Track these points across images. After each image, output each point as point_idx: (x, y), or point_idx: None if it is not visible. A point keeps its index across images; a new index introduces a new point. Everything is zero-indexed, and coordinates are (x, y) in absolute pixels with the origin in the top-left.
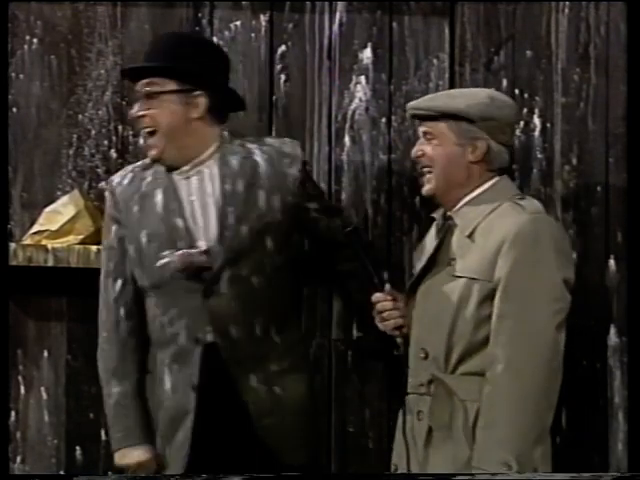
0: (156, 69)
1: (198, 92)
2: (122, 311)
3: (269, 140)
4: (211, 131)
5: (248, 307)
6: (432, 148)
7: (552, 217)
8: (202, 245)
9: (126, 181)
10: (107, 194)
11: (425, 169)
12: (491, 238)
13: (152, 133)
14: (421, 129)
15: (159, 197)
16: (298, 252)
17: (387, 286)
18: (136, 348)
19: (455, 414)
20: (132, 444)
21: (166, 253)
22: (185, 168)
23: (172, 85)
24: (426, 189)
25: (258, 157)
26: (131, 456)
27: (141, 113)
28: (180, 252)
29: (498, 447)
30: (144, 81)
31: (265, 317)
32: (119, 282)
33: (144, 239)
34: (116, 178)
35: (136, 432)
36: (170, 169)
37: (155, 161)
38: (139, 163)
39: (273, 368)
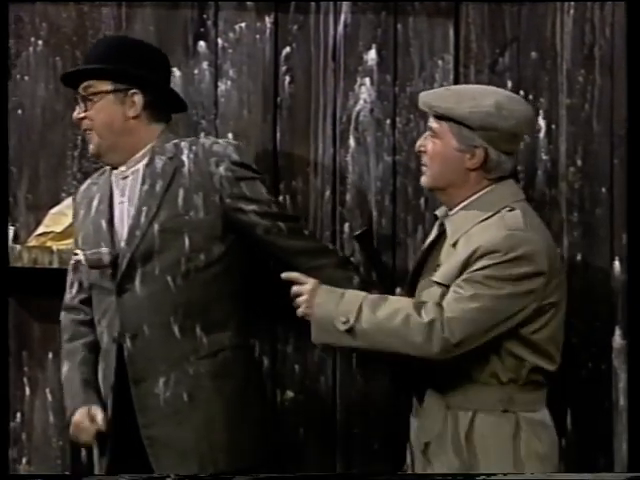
0: (89, 71)
1: (133, 90)
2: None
3: (202, 140)
4: (148, 130)
5: (163, 307)
6: (433, 146)
7: (529, 233)
8: (123, 242)
9: (83, 188)
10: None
11: (424, 164)
12: (468, 247)
13: (91, 134)
14: (429, 122)
15: (96, 201)
16: (235, 250)
17: (398, 290)
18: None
19: (445, 424)
20: (77, 406)
21: (77, 251)
22: (122, 168)
23: (107, 85)
24: (422, 181)
25: (184, 156)
26: (77, 415)
27: (80, 115)
28: (90, 251)
29: None
30: (82, 85)
31: (185, 317)
32: (75, 286)
33: (80, 242)
34: (81, 187)
35: (80, 396)
36: (113, 168)
37: (95, 157)
38: (101, 170)
39: (190, 371)
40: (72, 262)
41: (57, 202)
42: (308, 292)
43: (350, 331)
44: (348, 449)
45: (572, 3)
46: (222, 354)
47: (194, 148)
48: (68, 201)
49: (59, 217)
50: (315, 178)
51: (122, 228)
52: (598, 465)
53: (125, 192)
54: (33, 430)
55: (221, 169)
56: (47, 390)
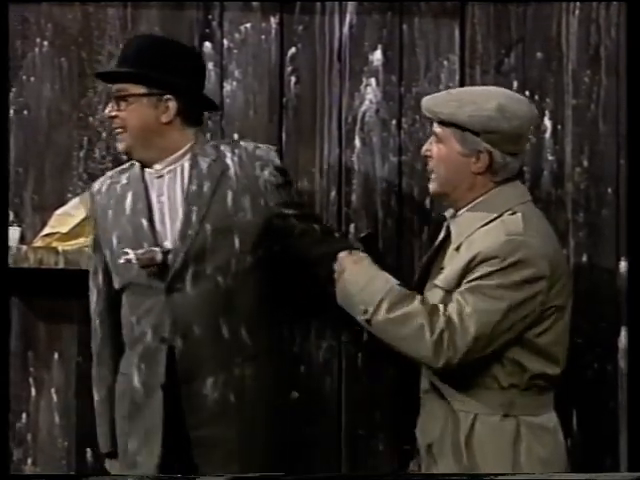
0: (125, 74)
1: (167, 96)
2: (97, 322)
3: (243, 144)
4: (182, 133)
5: (213, 306)
6: (438, 151)
7: (528, 237)
8: (167, 244)
9: (104, 187)
10: (89, 203)
11: (430, 169)
12: (469, 253)
13: (122, 133)
14: (433, 127)
15: (129, 199)
16: (271, 255)
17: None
18: (111, 355)
19: (446, 427)
20: (104, 451)
21: (127, 250)
22: (158, 167)
23: (141, 89)
24: (430, 188)
25: (228, 159)
26: (111, 463)
27: (113, 114)
28: (141, 250)
29: None
30: (116, 85)
31: (232, 319)
32: (94, 292)
33: (115, 241)
34: (96, 185)
35: (106, 439)
36: (143, 166)
37: (125, 154)
38: (118, 169)
39: (236, 372)
40: (92, 268)
41: (63, 203)
42: (342, 262)
43: (367, 322)
44: (353, 450)
45: (578, 3)
46: (262, 357)
47: (237, 151)
48: (74, 202)
49: (65, 218)
50: (321, 178)
51: (164, 227)
52: (604, 466)
53: (163, 191)
54: (38, 431)
55: (266, 173)
56: (52, 390)
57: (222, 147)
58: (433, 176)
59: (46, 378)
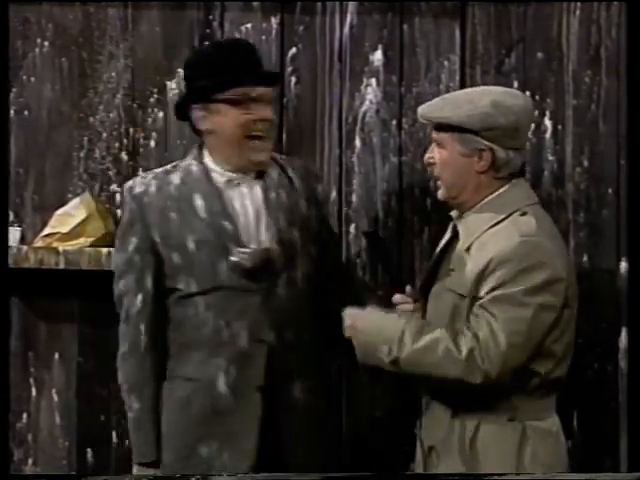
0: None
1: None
2: (142, 326)
3: (291, 158)
4: None
5: (302, 310)
6: (440, 157)
7: (542, 239)
8: (266, 244)
9: (152, 188)
10: (127, 204)
11: (435, 176)
12: (482, 256)
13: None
14: (432, 135)
15: (199, 202)
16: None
17: (408, 287)
18: (156, 362)
19: (450, 429)
20: (148, 460)
21: (239, 250)
22: (232, 175)
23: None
24: (439, 194)
25: (290, 172)
26: (147, 472)
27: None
28: (249, 250)
29: None
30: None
31: (310, 322)
32: (140, 296)
33: (191, 245)
34: (137, 187)
35: (152, 448)
36: (208, 172)
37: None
38: (158, 170)
39: (320, 375)
40: (135, 271)
41: (63, 203)
42: (350, 317)
43: (394, 362)
44: (355, 451)
45: (578, 4)
46: (321, 360)
47: (293, 164)
48: (74, 202)
49: (65, 218)
50: (321, 179)
51: (248, 231)
52: (604, 466)
53: (245, 197)
54: (39, 431)
55: (319, 188)
56: (53, 391)
57: (279, 160)
58: (439, 182)
59: (46, 378)
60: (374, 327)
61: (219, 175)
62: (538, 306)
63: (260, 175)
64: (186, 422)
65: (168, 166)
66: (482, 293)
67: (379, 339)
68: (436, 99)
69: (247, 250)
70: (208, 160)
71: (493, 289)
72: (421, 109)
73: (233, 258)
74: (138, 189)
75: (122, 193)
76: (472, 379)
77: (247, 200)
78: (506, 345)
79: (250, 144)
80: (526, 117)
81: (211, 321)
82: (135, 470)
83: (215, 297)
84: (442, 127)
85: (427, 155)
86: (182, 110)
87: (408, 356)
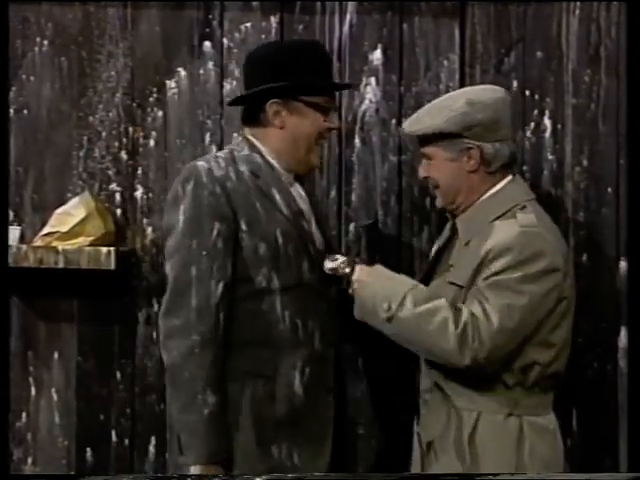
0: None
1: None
2: (222, 315)
3: None
4: None
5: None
6: (431, 169)
7: (542, 230)
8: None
9: (232, 174)
10: (205, 186)
11: (433, 188)
12: (482, 247)
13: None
14: (420, 150)
15: (277, 196)
16: None
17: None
18: (228, 354)
19: (449, 425)
20: (220, 458)
21: (337, 257)
22: (289, 175)
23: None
24: (437, 203)
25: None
26: (217, 469)
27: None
28: (344, 258)
29: None
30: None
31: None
32: (221, 285)
33: (280, 239)
34: (216, 170)
35: (226, 445)
36: (273, 168)
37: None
38: (220, 154)
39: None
40: (218, 257)
41: (63, 202)
42: (360, 271)
43: (390, 319)
44: (354, 449)
45: (578, 3)
46: None
47: None
48: (74, 201)
49: (65, 217)
50: (321, 178)
51: (311, 230)
52: (604, 466)
53: (300, 196)
54: (38, 430)
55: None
56: (52, 390)
57: None
58: (437, 192)
59: (46, 378)
60: (380, 283)
61: (281, 172)
62: (533, 294)
63: (297, 178)
64: (257, 421)
65: (223, 152)
66: (480, 280)
67: (382, 295)
68: (413, 115)
69: (342, 258)
70: (267, 154)
71: (491, 276)
72: (402, 130)
73: (331, 264)
74: (218, 172)
75: (193, 173)
76: (460, 359)
77: (301, 199)
78: (498, 326)
79: (316, 149)
80: (504, 108)
81: (287, 319)
82: (198, 471)
83: (294, 295)
84: (426, 139)
85: (420, 173)
86: (253, 96)
87: (405, 317)
